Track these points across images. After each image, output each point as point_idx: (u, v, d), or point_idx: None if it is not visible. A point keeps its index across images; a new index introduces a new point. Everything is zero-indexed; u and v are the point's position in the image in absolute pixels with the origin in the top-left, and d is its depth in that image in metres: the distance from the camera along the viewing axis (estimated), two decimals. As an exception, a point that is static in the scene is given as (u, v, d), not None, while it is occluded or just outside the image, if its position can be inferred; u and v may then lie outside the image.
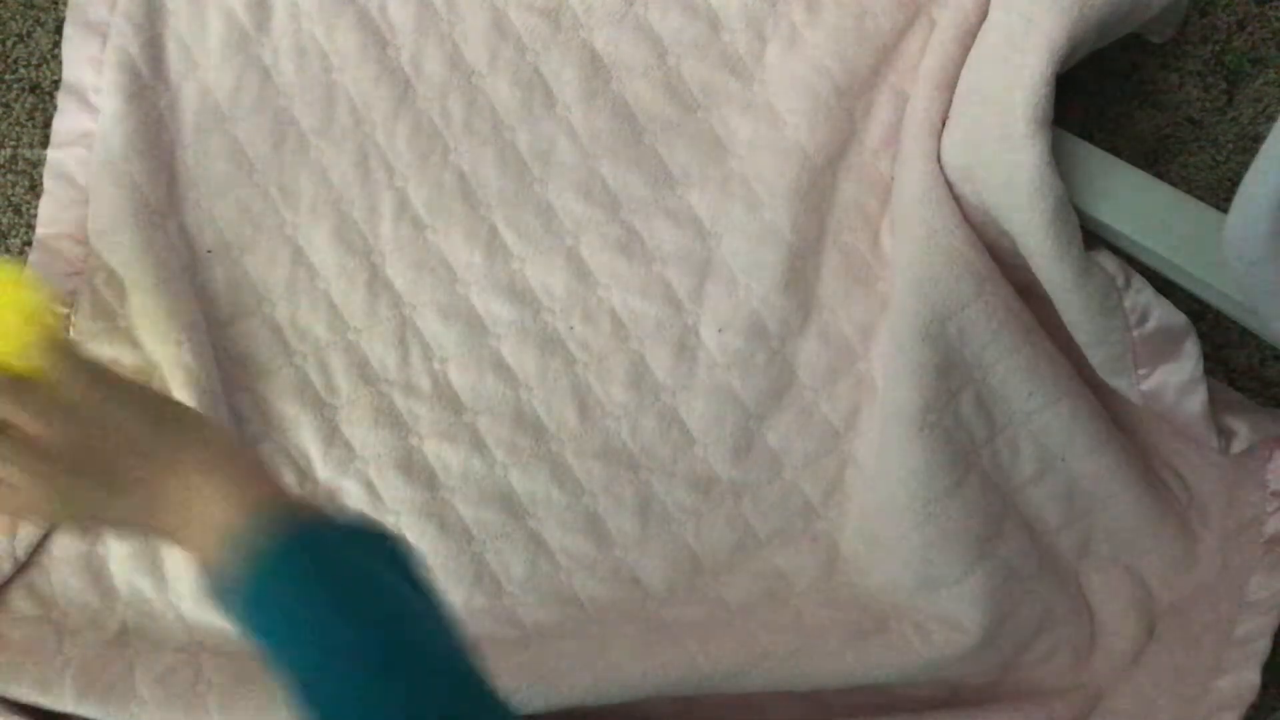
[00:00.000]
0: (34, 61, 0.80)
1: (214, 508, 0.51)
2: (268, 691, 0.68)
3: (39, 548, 0.72)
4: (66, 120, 0.75)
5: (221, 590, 0.49)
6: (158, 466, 0.53)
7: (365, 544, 0.50)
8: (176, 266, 0.73)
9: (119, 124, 0.73)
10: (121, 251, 0.72)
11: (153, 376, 0.73)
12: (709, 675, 0.69)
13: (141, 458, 0.53)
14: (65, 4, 0.79)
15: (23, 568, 0.71)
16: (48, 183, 0.75)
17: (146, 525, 0.54)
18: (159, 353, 0.73)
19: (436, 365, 0.75)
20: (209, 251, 0.75)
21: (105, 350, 0.73)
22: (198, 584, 0.70)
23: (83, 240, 0.75)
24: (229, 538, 0.49)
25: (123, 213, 0.72)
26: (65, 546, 0.72)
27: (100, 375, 0.54)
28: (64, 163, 0.75)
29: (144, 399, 0.55)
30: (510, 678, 0.68)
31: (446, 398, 0.75)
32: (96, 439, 0.53)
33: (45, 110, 0.79)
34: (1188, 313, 0.68)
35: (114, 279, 0.74)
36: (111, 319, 0.73)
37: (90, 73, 0.75)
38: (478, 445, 0.74)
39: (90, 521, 0.55)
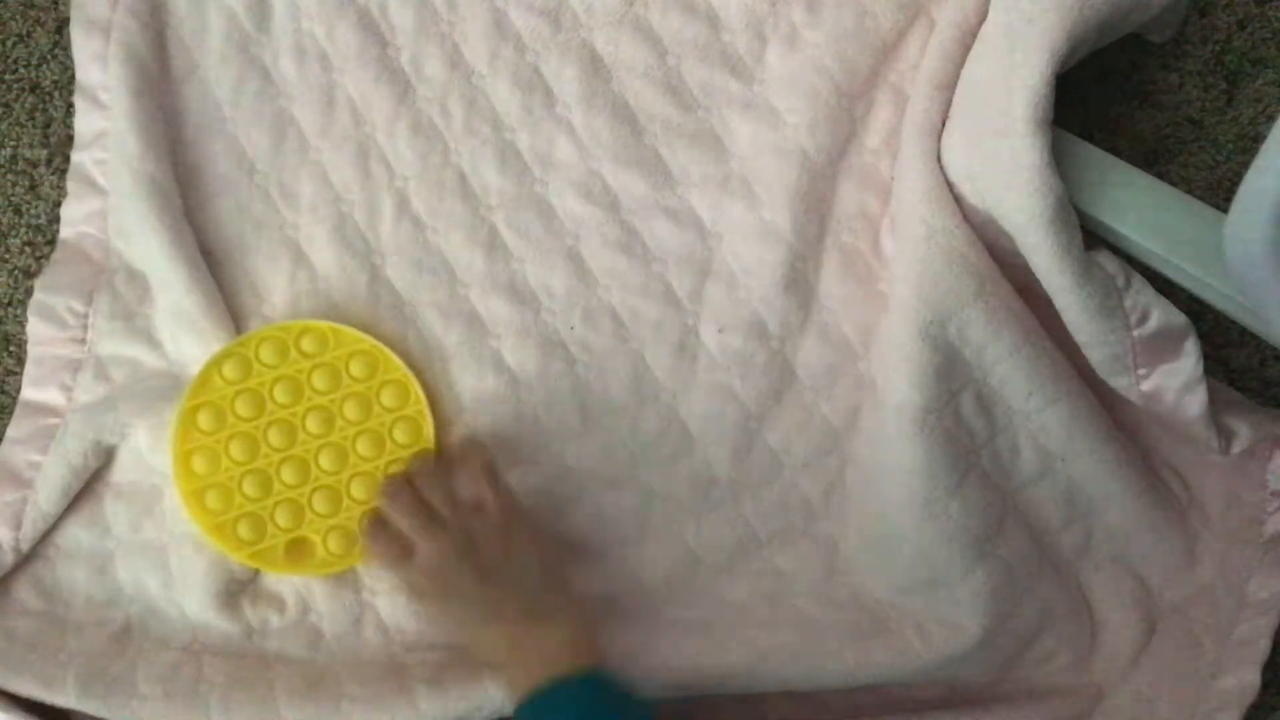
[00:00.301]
0: (34, 61, 0.80)
1: (541, 655, 0.62)
2: (267, 691, 0.68)
3: (44, 540, 0.72)
4: (83, 121, 0.75)
5: (518, 707, 0.62)
6: (523, 595, 0.65)
7: (629, 706, 0.62)
8: (205, 266, 0.73)
9: (131, 121, 0.73)
10: (150, 253, 0.72)
11: (175, 378, 0.73)
12: (709, 677, 0.69)
13: (515, 578, 0.65)
14: (65, 4, 0.79)
15: (28, 559, 0.71)
16: (70, 185, 0.75)
17: (472, 633, 0.66)
18: (188, 354, 0.73)
19: (437, 366, 0.75)
20: (209, 252, 0.75)
21: (124, 351, 0.73)
22: (204, 586, 0.70)
23: (104, 240, 0.75)
24: (539, 678, 0.61)
25: (147, 212, 0.72)
26: (71, 539, 0.72)
27: (512, 498, 0.69)
28: (84, 164, 0.75)
29: (540, 550, 0.68)
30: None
31: (447, 399, 0.75)
32: (489, 541, 0.65)
33: (45, 110, 0.80)
34: (1188, 313, 0.68)
35: (135, 278, 0.74)
36: (130, 319, 0.73)
37: (97, 71, 0.74)
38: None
39: (429, 602, 0.67)
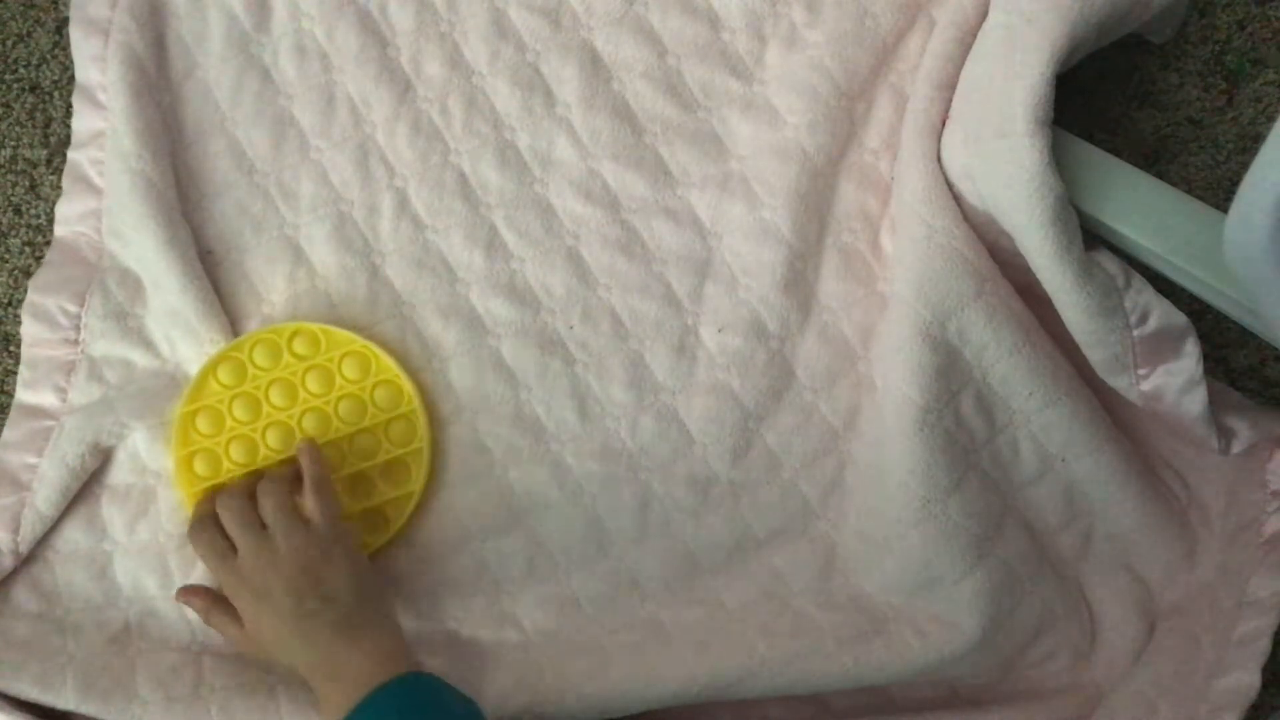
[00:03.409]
0: (34, 61, 0.80)
1: (354, 672, 0.63)
2: (269, 696, 0.68)
3: (42, 542, 0.72)
4: (81, 121, 0.75)
5: None
6: (336, 612, 0.65)
7: (454, 703, 0.63)
8: (200, 267, 0.73)
9: (129, 122, 0.73)
10: (145, 253, 0.72)
11: (170, 379, 0.73)
12: (707, 686, 0.69)
13: (330, 594, 0.65)
14: (65, 4, 0.79)
15: (27, 562, 0.71)
16: (66, 184, 0.75)
17: (284, 646, 0.65)
18: (183, 354, 0.73)
19: (436, 365, 0.75)
20: (209, 252, 0.75)
21: (116, 352, 0.73)
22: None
23: (98, 240, 0.75)
24: (354, 698, 0.61)
25: (143, 212, 0.72)
26: (69, 541, 0.72)
27: (337, 515, 0.68)
28: (80, 164, 0.75)
29: (358, 569, 0.67)
30: (515, 697, 0.69)
31: (446, 398, 0.75)
32: (308, 554, 0.66)
33: (45, 110, 0.80)
34: (1188, 313, 0.68)
35: (128, 279, 0.74)
36: (123, 320, 0.73)
37: (95, 71, 0.74)
38: (477, 445, 0.74)
39: (242, 604, 0.66)
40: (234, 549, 0.67)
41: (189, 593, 0.69)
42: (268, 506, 0.67)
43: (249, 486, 0.69)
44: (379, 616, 0.67)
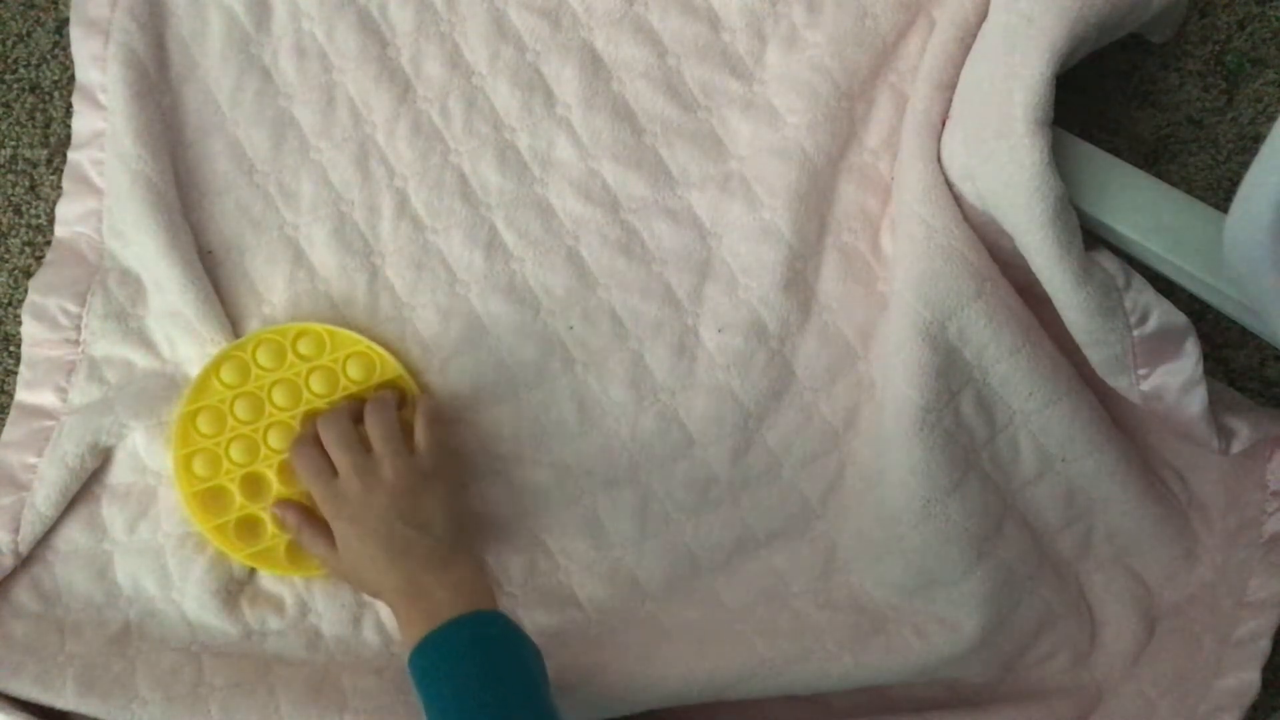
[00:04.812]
0: (34, 61, 0.80)
1: (435, 603, 0.63)
2: (268, 695, 0.68)
3: (42, 542, 0.72)
4: (81, 121, 0.75)
5: (412, 653, 0.62)
6: (430, 540, 0.66)
7: (516, 642, 0.63)
8: (200, 267, 0.73)
9: (129, 122, 0.73)
10: (146, 253, 0.72)
11: (170, 379, 0.73)
12: (707, 686, 0.69)
13: (425, 523, 0.66)
14: (65, 4, 0.79)
15: (27, 562, 0.71)
16: (66, 184, 0.75)
17: (374, 571, 0.66)
18: (184, 355, 0.73)
19: (436, 366, 0.75)
20: (209, 252, 0.75)
21: (117, 352, 0.73)
22: (203, 587, 0.70)
23: (98, 240, 0.75)
24: (433, 625, 0.62)
25: (143, 212, 0.72)
26: (69, 541, 0.72)
27: (443, 447, 0.70)
28: (80, 164, 0.75)
29: (454, 504, 0.69)
30: None
31: (446, 399, 0.75)
32: (409, 481, 0.67)
33: (45, 110, 0.80)
34: (1188, 313, 0.68)
35: (128, 279, 0.74)
36: (123, 320, 0.73)
37: (95, 71, 0.74)
38: (478, 446, 0.74)
39: (340, 525, 0.67)
40: (334, 470, 0.67)
41: (284, 507, 0.70)
42: (376, 429, 0.68)
43: (353, 410, 0.70)
44: (466, 553, 0.68)
